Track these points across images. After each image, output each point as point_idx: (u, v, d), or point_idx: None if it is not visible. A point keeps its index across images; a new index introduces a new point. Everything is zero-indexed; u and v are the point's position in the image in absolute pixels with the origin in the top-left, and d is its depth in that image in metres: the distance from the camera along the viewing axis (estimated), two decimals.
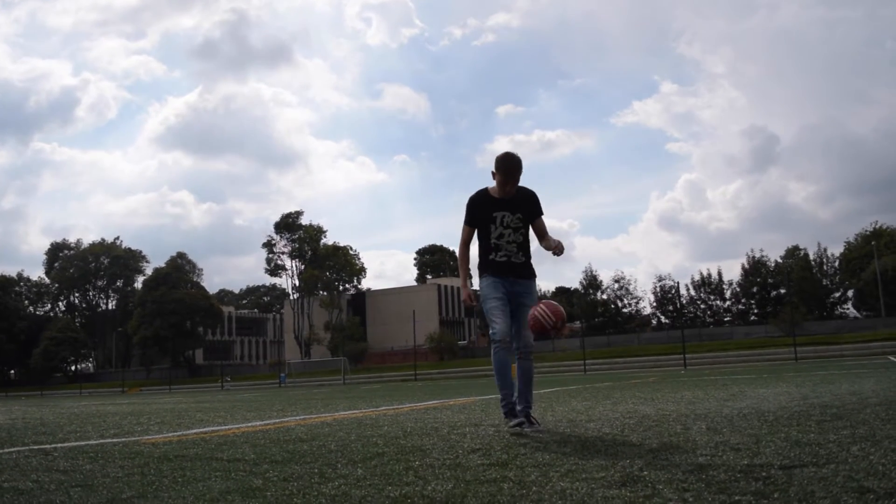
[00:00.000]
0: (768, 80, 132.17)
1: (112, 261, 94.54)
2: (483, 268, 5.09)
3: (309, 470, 3.35)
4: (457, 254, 5.23)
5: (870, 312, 63.59)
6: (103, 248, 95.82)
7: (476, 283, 5.35)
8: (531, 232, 5.11)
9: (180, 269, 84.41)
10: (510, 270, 5.00)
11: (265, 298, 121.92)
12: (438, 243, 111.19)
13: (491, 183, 5.07)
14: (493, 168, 4.98)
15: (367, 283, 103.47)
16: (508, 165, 4.92)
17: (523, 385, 4.96)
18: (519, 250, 5.04)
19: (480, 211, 5.07)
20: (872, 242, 62.12)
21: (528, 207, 5.08)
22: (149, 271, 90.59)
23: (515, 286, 5.00)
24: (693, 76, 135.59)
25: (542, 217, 5.11)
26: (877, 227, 67.26)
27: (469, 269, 5.31)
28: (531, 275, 5.12)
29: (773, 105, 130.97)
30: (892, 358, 26.58)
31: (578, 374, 35.29)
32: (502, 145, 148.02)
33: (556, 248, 4.93)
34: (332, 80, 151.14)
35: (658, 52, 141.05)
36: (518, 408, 4.90)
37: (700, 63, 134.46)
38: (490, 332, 4.98)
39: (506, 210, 5.01)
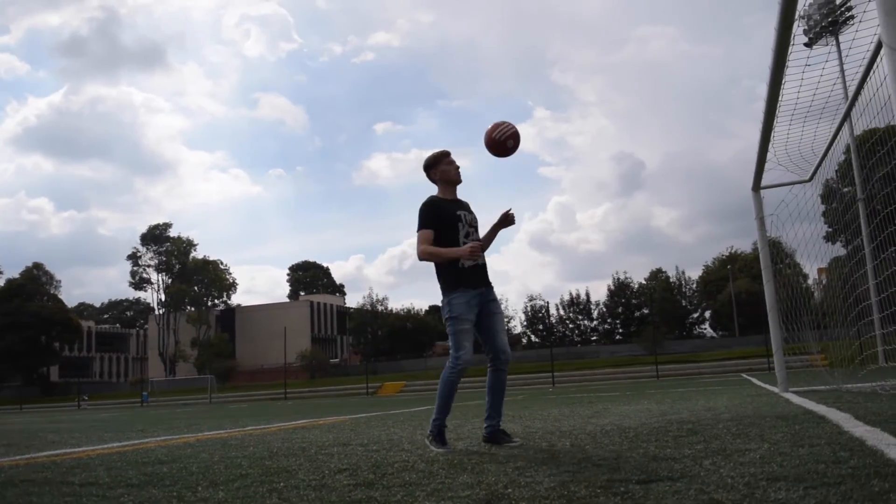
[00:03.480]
0: (636, 109, 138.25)
1: None
2: (455, 282, 4.65)
3: (167, 493, 3.22)
4: (424, 254, 4.64)
5: (725, 332, 67.03)
6: None
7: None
8: None
9: (36, 281, 79.87)
10: (480, 277, 4.72)
11: (128, 313, 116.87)
12: (312, 259, 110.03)
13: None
14: (428, 177, 4.91)
15: (238, 298, 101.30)
16: (443, 152, 4.90)
17: (497, 399, 4.76)
18: (487, 242, 4.86)
19: (443, 211, 4.72)
20: (728, 266, 65.59)
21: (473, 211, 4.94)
22: (1, 282, 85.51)
23: (487, 297, 4.72)
24: (566, 103, 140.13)
25: None
26: (732, 251, 71.12)
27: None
28: (489, 281, 4.86)
29: (640, 133, 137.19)
30: (745, 375, 28.06)
31: None
32: (380, 162, 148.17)
33: (510, 219, 4.89)
34: (208, 86, 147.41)
35: (533, 79, 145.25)
36: (487, 426, 4.73)
37: (573, 91, 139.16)
38: (455, 353, 4.59)
39: (463, 209, 4.80)
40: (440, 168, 4.86)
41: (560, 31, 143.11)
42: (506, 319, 75.64)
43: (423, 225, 4.72)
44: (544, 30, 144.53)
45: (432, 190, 4.95)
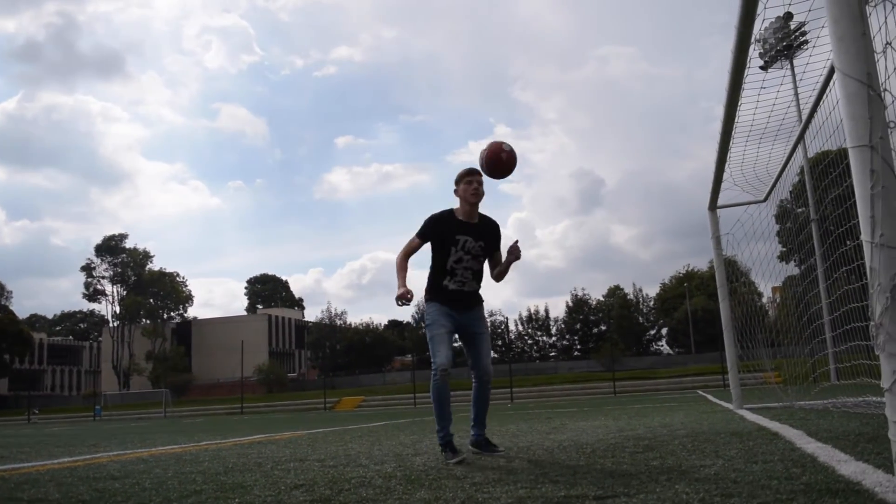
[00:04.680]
0: (596, 127, 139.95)
1: None
2: (432, 293, 4.80)
3: None
4: (395, 261, 4.75)
5: (681, 349, 67.81)
6: None
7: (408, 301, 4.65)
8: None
9: None
10: (460, 301, 4.78)
11: (81, 325, 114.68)
12: (271, 273, 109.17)
13: (452, 204, 4.89)
14: (454, 182, 4.79)
15: (194, 311, 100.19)
16: (466, 169, 4.78)
17: (480, 411, 4.94)
18: (474, 278, 4.83)
19: (442, 229, 4.74)
20: (685, 284, 66.41)
21: (491, 237, 4.88)
22: None
23: (464, 316, 4.80)
24: (526, 121, 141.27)
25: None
26: (689, 269, 72.03)
27: (405, 275, 4.71)
28: (480, 301, 4.94)
29: (600, 151, 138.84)
30: (700, 392, 28.37)
31: (409, 407, 35.45)
32: (341, 176, 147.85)
33: (515, 252, 4.83)
34: (167, 95, 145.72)
35: (494, 96, 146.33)
36: (473, 433, 4.95)
37: (533, 109, 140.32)
38: (432, 360, 4.68)
39: (469, 235, 4.75)
40: (459, 187, 4.79)
41: (521, 48, 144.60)
42: None
43: (418, 231, 4.79)
44: (506, 47, 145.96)
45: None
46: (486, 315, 5.13)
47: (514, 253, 4.84)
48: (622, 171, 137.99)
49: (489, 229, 4.89)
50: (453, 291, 4.76)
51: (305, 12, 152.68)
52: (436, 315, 4.72)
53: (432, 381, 4.73)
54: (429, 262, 4.89)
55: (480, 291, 4.98)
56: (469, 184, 4.75)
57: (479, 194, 4.77)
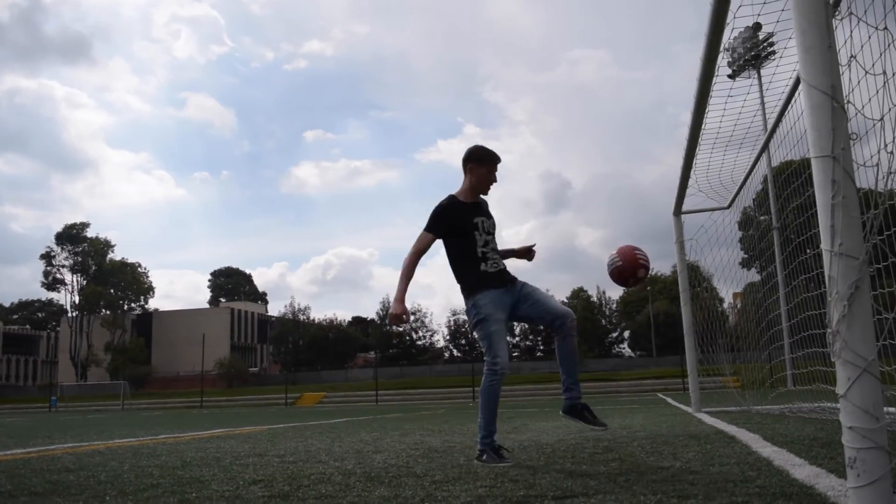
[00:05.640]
0: (564, 129, 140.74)
1: None
2: (478, 283, 4.35)
3: (73, 502, 3.11)
4: (403, 262, 4.38)
5: (643, 352, 68.44)
6: None
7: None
8: None
9: None
10: (505, 279, 4.42)
11: (39, 314, 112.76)
12: (235, 266, 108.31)
13: (452, 189, 4.60)
14: (464, 165, 4.51)
15: (156, 303, 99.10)
16: (492, 153, 4.49)
17: (572, 367, 4.43)
18: (502, 258, 4.53)
19: (458, 217, 4.40)
20: (648, 288, 67.00)
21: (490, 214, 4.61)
22: None
23: (517, 288, 4.43)
24: (496, 121, 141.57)
25: None
26: (652, 273, 72.52)
27: (408, 284, 4.36)
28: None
29: (568, 153, 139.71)
30: (660, 395, 28.66)
31: (370, 405, 35.37)
32: (309, 170, 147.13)
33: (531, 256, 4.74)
34: (134, 83, 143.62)
35: (464, 96, 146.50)
36: (570, 394, 4.46)
37: (503, 109, 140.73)
38: (490, 359, 4.29)
39: (483, 215, 4.47)
40: (480, 170, 4.49)
41: (493, 49, 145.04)
42: (429, 333, 75.91)
43: (427, 226, 4.42)
44: (477, 47, 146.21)
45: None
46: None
47: (530, 255, 4.79)
48: (589, 173, 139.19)
49: (487, 206, 4.67)
50: (496, 273, 4.41)
51: (277, 5, 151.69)
52: (490, 308, 4.30)
53: (488, 381, 4.35)
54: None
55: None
56: (491, 173, 4.50)
57: (489, 187, 4.59)
